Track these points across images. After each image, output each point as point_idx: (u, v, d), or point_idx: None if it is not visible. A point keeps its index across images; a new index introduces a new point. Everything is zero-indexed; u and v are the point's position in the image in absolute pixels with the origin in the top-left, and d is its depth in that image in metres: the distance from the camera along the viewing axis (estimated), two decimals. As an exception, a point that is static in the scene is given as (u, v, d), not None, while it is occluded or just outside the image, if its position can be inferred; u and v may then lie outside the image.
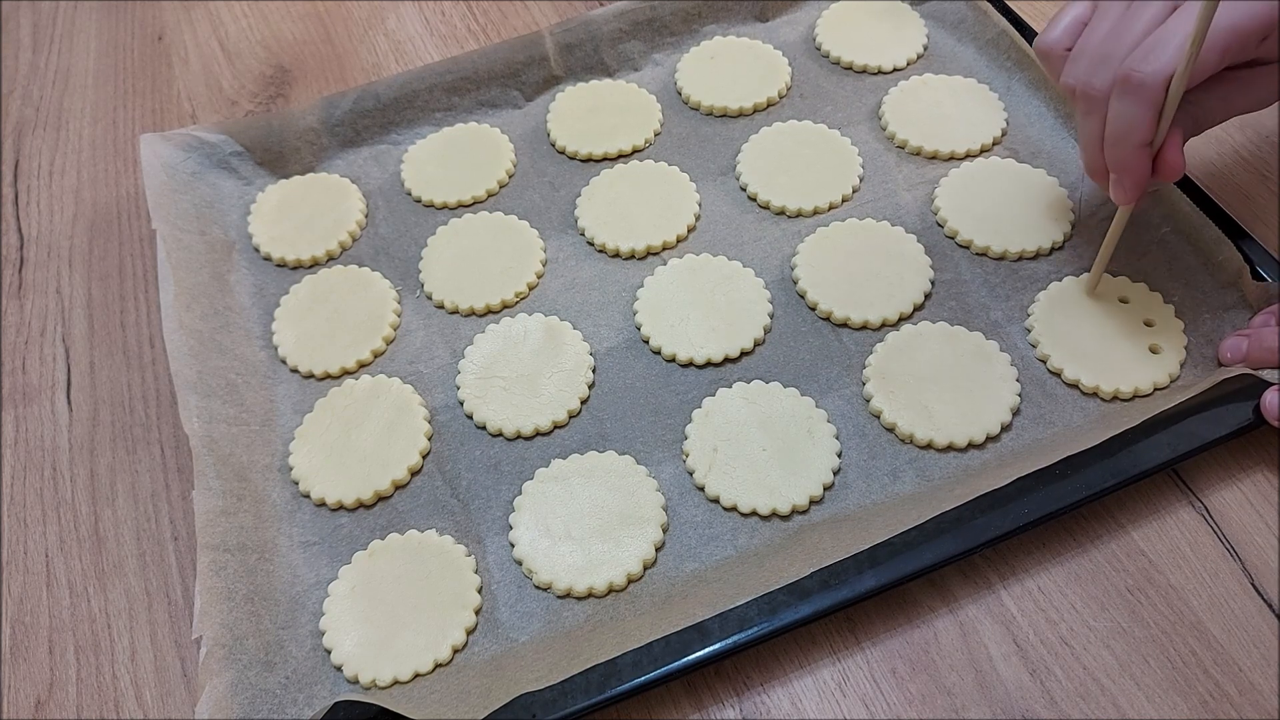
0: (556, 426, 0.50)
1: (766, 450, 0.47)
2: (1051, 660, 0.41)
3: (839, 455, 0.47)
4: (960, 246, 0.55)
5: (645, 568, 0.44)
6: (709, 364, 0.51)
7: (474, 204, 0.60)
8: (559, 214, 0.59)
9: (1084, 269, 0.52)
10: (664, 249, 0.56)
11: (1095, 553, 0.44)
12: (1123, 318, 0.50)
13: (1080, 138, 0.47)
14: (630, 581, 0.44)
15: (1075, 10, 0.47)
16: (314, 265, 0.58)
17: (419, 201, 0.60)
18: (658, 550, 0.45)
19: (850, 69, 0.65)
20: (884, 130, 0.61)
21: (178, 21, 0.74)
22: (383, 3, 0.74)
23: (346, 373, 0.53)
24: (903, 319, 0.52)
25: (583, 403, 0.50)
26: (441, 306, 0.55)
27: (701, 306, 0.53)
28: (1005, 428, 0.47)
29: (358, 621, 0.43)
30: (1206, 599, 0.42)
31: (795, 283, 0.54)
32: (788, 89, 0.64)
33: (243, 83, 0.69)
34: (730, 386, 0.50)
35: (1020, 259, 0.54)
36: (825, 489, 0.46)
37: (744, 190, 0.59)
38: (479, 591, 0.44)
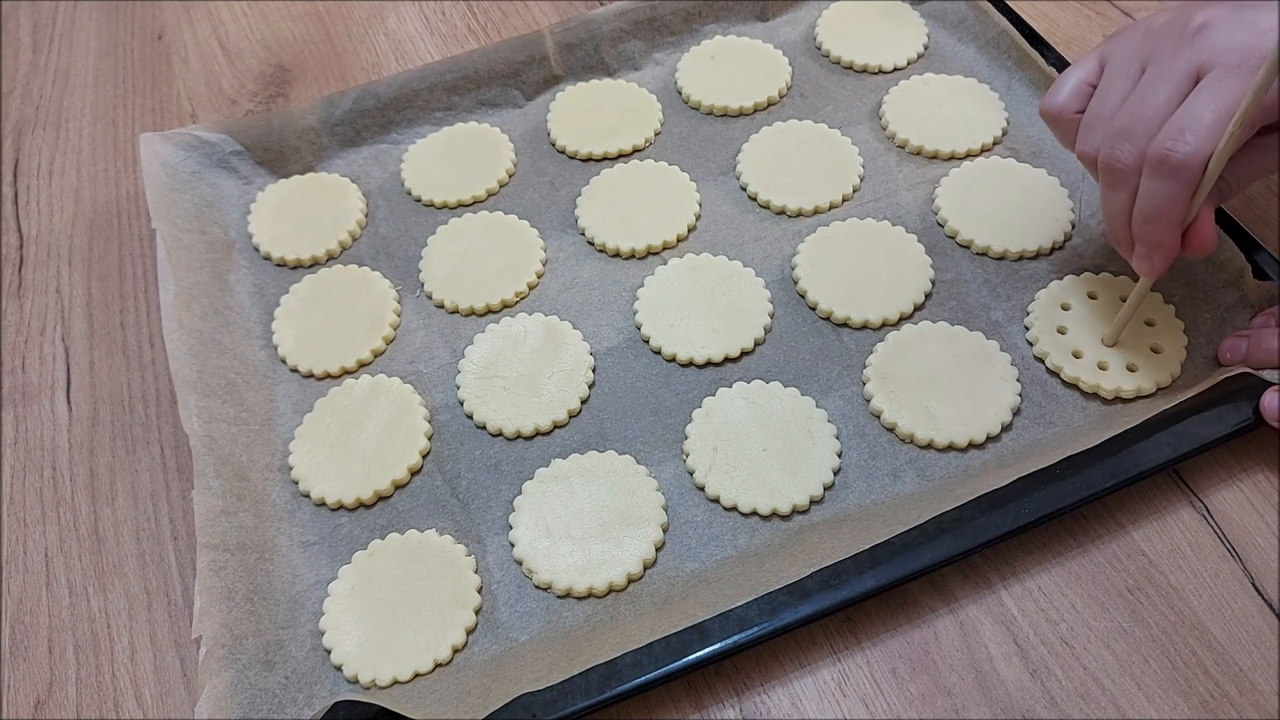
0: (556, 426, 0.50)
1: (766, 450, 0.47)
2: (1051, 660, 0.41)
3: (839, 455, 0.47)
4: (960, 246, 0.55)
5: (645, 568, 0.44)
6: (709, 364, 0.51)
7: (474, 204, 0.60)
8: (559, 214, 0.59)
9: (1084, 269, 0.52)
10: (664, 249, 0.56)
11: (1095, 553, 0.44)
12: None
13: (1105, 210, 0.45)
14: (630, 581, 0.44)
15: (1080, 73, 0.46)
16: (314, 265, 0.58)
17: (419, 201, 0.60)
18: (658, 550, 0.45)
19: (850, 69, 0.65)
20: (884, 130, 0.61)
21: (178, 21, 0.74)
22: (383, 2, 0.74)
23: (346, 372, 0.53)
24: (903, 319, 0.52)
25: (583, 402, 0.50)
26: (441, 306, 0.55)
27: (701, 306, 0.53)
28: (1005, 428, 0.47)
29: (358, 621, 0.43)
30: (1207, 599, 0.42)
31: (795, 282, 0.54)
32: (788, 89, 0.64)
33: (243, 82, 0.69)
34: (730, 386, 0.50)
35: (1020, 259, 0.54)
36: (825, 489, 0.46)
37: (744, 190, 0.59)
38: (479, 591, 0.44)
